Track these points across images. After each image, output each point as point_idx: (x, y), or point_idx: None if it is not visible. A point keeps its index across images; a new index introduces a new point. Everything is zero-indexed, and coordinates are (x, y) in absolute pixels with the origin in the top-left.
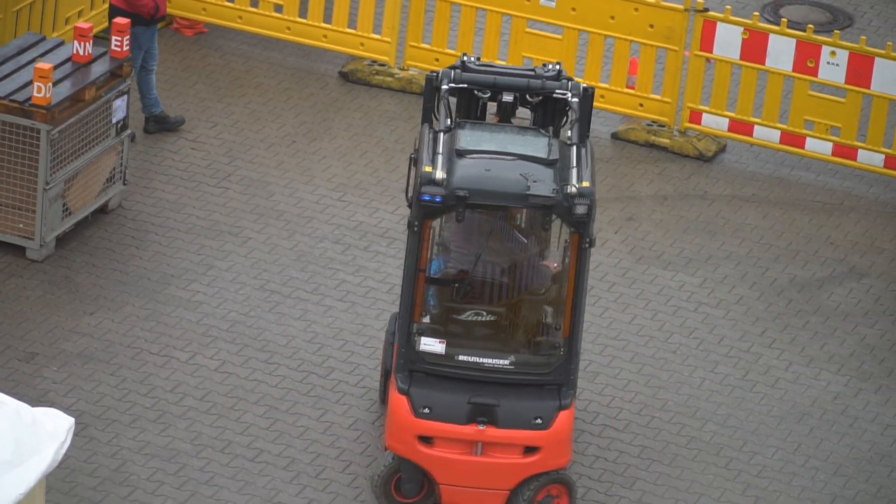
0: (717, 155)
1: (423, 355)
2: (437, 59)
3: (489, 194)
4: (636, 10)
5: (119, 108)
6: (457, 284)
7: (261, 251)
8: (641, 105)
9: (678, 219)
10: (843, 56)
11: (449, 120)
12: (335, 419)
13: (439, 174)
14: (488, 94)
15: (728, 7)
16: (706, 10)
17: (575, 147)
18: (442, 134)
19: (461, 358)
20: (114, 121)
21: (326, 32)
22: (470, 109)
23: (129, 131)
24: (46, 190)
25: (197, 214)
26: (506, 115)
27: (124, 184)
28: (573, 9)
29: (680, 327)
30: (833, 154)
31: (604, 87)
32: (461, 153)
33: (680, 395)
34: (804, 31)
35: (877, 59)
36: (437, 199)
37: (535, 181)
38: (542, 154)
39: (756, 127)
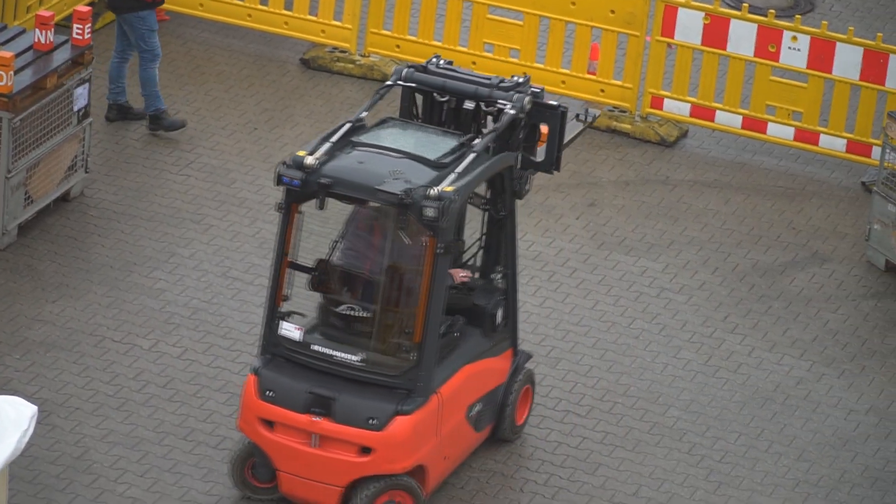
0: (678, 140)
1: (282, 340)
2: (398, 46)
3: (347, 185)
4: None
5: (81, 96)
6: (315, 273)
7: (223, 238)
8: (603, 91)
9: (640, 204)
10: (804, 41)
11: (365, 113)
12: None
13: (309, 159)
14: (447, 98)
15: None
16: None
17: (473, 155)
18: (349, 124)
19: (314, 347)
20: (75, 109)
21: (287, 19)
22: (433, 112)
23: (90, 119)
24: (8, 178)
25: (159, 202)
26: (466, 122)
27: (86, 172)
28: None
29: (642, 313)
30: (795, 139)
31: (565, 72)
32: (355, 145)
33: (642, 381)
34: (765, 16)
35: (838, 44)
36: (295, 183)
37: (395, 179)
38: (434, 156)
39: (718, 112)
